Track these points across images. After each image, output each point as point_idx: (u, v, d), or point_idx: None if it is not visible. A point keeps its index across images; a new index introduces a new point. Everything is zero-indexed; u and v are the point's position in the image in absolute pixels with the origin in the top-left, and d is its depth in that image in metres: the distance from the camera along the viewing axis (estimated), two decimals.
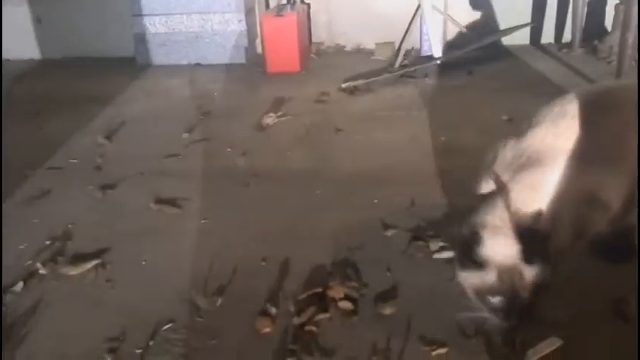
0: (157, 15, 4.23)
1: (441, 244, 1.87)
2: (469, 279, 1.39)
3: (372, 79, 3.60)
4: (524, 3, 4.20)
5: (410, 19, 3.89)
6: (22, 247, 1.99)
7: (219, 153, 2.73)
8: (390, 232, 1.97)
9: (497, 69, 3.71)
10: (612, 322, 1.52)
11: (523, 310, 1.34)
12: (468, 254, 1.36)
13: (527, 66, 3.76)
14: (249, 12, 4.29)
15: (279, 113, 3.17)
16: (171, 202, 2.25)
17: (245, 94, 3.64)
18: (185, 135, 2.94)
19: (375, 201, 2.19)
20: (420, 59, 3.81)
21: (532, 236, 1.33)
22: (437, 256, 1.83)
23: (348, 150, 2.68)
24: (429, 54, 3.89)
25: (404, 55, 3.91)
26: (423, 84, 3.54)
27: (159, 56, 4.33)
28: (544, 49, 4.11)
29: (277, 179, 2.44)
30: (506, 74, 3.60)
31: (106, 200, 2.33)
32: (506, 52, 4.05)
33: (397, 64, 3.76)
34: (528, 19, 4.17)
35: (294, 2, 4.19)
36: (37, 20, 4.58)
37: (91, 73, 4.19)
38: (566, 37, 4.14)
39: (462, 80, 3.58)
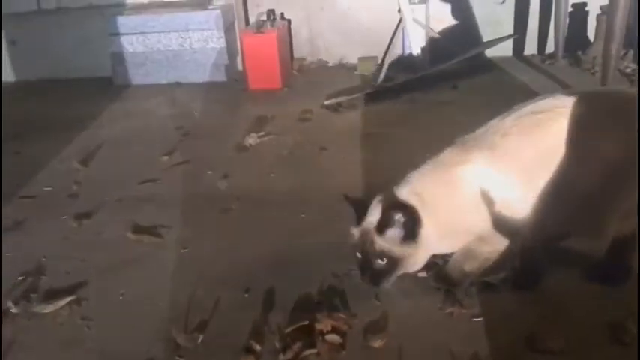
0: (135, 34, 4.15)
1: None
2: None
3: (355, 95, 3.55)
4: (506, 14, 4.19)
5: (392, 32, 3.86)
6: None
7: (200, 176, 2.65)
8: None
9: (482, 82, 3.68)
10: (609, 347, 1.46)
11: (375, 276, 1.54)
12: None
13: (511, 78, 3.74)
14: (228, 29, 4.24)
15: (262, 133, 3.10)
16: (150, 231, 2.17)
17: (226, 113, 3.57)
18: (164, 158, 2.86)
19: None
20: (404, 74, 3.76)
21: (395, 210, 1.48)
22: (421, 274, 1.76)
23: (333, 170, 2.62)
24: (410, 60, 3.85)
25: (387, 69, 3.88)
26: (404, 99, 3.49)
27: (138, 76, 4.24)
28: (527, 60, 4.11)
29: (260, 203, 2.37)
30: (491, 88, 3.57)
31: (82, 230, 2.24)
32: (490, 64, 4.03)
33: (380, 79, 3.71)
34: (510, 31, 4.17)
35: (274, 18, 4.14)
36: (12, 43, 4.49)
37: (68, 95, 4.10)
38: (549, 48, 4.13)
39: (448, 95, 3.53)
